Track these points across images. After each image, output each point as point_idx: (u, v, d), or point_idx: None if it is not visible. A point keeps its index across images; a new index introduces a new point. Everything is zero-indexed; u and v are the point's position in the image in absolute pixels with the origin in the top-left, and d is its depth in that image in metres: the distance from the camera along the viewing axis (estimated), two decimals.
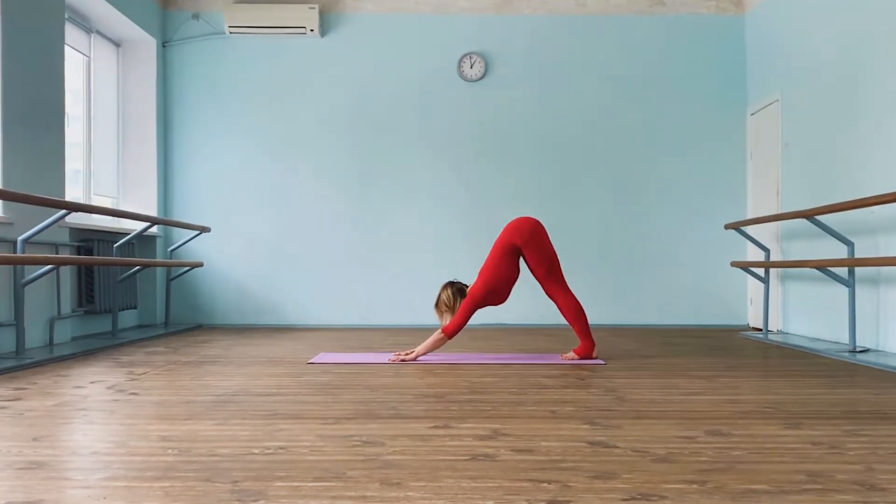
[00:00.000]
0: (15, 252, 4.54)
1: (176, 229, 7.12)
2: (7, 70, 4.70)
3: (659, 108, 7.23)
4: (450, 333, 4.46)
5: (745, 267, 6.21)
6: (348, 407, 3.00)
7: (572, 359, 4.50)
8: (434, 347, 4.51)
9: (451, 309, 4.54)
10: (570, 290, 4.59)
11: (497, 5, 7.25)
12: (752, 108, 7.04)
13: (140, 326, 6.78)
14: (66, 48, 5.71)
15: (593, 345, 4.56)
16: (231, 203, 7.21)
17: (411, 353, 4.50)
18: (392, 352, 4.76)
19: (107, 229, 6.10)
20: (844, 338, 5.13)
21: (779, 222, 6.26)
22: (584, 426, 2.62)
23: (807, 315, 5.94)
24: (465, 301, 4.50)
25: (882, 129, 4.93)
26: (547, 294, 4.59)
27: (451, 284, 4.62)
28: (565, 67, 7.24)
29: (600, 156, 7.23)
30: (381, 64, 7.24)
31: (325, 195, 7.22)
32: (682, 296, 7.17)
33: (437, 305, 4.62)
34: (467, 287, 4.61)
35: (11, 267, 4.55)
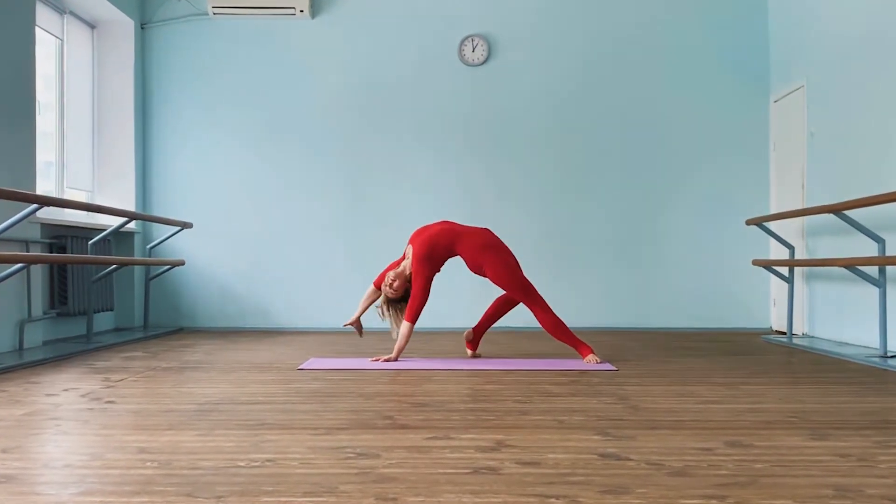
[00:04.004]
0: None
1: (155, 225, 7.12)
2: None
3: (675, 95, 7.23)
4: (412, 319, 4.64)
5: (768, 266, 6.21)
6: (341, 416, 3.00)
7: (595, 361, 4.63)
8: (407, 338, 4.68)
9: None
10: None
11: None
12: (776, 95, 7.03)
13: (117, 330, 6.78)
14: (38, 30, 5.71)
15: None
16: (215, 197, 7.21)
17: (391, 356, 4.68)
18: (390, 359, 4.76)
19: (81, 225, 6.10)
20: (875, 342, 5.13)
21: (804, 217, 6.26)
22: (595, 437, 2.62)
23: (834, 317, 5.94)
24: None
25: None
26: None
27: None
28: (574, 51, 7.23)
29: (611, 146, 7.22)
30: (376, 47, 7.24)
31: (315, 189, 7.21)
32: (700, 297, 7.17)
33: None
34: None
35: None
